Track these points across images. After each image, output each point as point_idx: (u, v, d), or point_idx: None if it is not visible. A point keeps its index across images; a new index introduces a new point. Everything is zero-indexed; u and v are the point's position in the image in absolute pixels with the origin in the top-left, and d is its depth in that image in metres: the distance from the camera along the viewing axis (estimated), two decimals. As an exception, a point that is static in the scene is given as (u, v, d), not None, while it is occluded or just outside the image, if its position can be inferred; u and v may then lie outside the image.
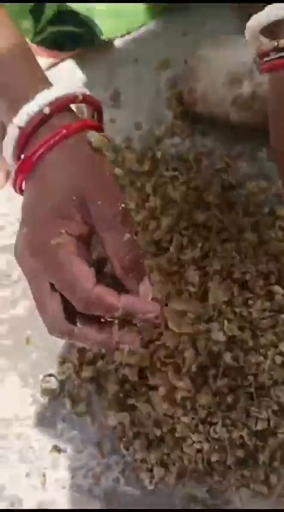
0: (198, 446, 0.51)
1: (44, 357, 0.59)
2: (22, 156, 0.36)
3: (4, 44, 0.37)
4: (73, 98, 0.36)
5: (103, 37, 0.64)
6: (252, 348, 0.52)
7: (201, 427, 0.51)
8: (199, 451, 0.52)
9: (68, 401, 0.57)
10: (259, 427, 0.50)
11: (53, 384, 0.58)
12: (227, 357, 0.51)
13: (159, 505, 0.53)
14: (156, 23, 0.68)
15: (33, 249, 0.36)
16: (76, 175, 0.35)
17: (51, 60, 0.66)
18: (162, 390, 0.52)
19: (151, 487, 0.54)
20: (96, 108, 0.40)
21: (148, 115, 0.66)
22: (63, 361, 0.58)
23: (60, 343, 0.59)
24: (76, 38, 0.65)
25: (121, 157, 0.63)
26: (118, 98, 0.67)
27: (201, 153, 0.63)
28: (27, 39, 0.59)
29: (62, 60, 0.67)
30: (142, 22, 0.67)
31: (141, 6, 0.65)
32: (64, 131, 0.35)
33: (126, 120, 0.66)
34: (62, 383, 0.58)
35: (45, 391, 0.58)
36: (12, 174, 0.37)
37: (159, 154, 0.62)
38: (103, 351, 0.56)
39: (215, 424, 0.51)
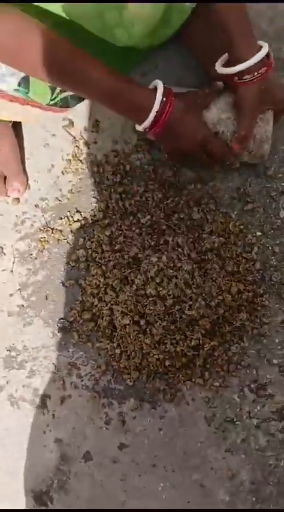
0: (156, 357, 0.83)
1: (58, 307, 0.90)
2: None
3: (121, 78, 0.73)
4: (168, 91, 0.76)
5: None
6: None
7: (157, 345, 0.83)
8: (157, 359, 0.83)
9: (75, 334, 0.88)
10: (193, 344, 0.82)
11: (65, 323, 0.89)
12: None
13: (136, 393, 0.86)
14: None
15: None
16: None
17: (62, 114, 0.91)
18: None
19: (130, 384, 0.86)
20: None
21: (120, 137, 0.93)
22: (70, 309, 0.89)
23: (67, 298, 0.89)
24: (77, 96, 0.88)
25: (101, 169, 0.91)
26: (97, 125, 0.94)
27: (157, 165, 0.91)
28: (44, 103, 0.83)
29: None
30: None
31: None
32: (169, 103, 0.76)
33: (104, 142, 0.93)
34: (70, 323, 0.89)
35: (60, 329, 0.89)
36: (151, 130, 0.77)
37: (127, 168, 0.90)
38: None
39: (166, 343, 0.82)
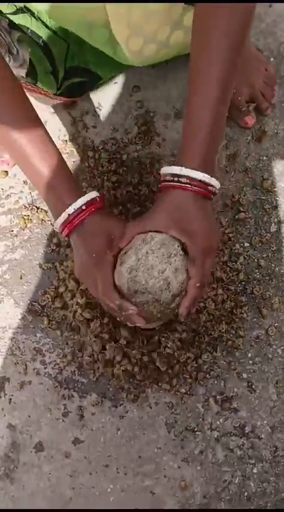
0: (123, 368, 0.79)
1: (31, 289, 0.87)
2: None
3: (54, 161, 0.64)
4: (95, 200, 0.66)
5: (101, 81, 0.88)
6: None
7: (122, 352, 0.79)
8: (124, 371, 0.80)
9: (46, 319, 0.85)
10: (166, 353, 0.79)
11: (37, 307, 0.86)
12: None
13: (99, 388, 0.83)
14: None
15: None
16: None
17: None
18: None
19: (94, 379, 0.83)
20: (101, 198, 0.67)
21: (120, 125, 0.91)
22: (44, 293, 0.86)
23: (42, 281, 0.86)
24: (83, 85, 0.87)
25: (97, 155, 0.89)
26: (99, 110, 0.91)
27: (153, 158, 0.89)
28: (52, 92, 0.83)
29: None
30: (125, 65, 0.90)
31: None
32: (87, 213, 0.65)
33: (103, 128, 0.91)
34: (42, 307, 0.86)
35: (31, 311, 0.86)
36: (63, 231, 0.65)
37: (124, 157, 0.88)
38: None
39: (134, 349, 0.79)
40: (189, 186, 0.60)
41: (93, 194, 0.66)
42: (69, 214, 0.64)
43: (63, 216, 0.65)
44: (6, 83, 0.64)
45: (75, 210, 0.64)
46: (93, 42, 0.78)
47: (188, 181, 0.60)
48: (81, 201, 0.64)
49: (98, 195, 0.67)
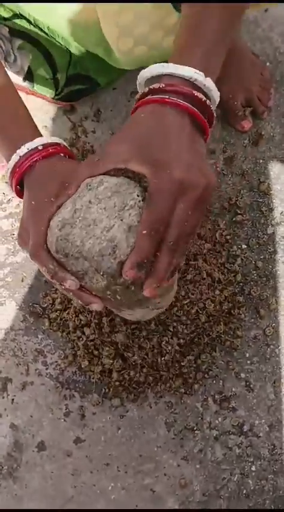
0: (122, 372, 0.81)
1: (32, 292, 0.88)
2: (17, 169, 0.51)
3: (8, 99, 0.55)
4: (58, 144, 0.53)
5: (100, 87, 0.90)
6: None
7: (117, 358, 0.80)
8: (122, 375, 0.81)
9: (47, 321, 0.86)
10: (165, 359, 0.80)
11: (38, 309, 0.87)
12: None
13: (99, 388, 0.84)
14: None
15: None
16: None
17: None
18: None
19: (93, 380, 0.84)
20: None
21: (119, 130, 0.92)
22: (45, 295, 0.87)
23: (43, 284, 0.88)
24: (82, 91, 0.89)
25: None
26: (98, 115, 0.93)
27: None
28: (50, 96, 0.84)
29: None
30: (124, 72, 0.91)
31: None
32: (43, 153, 0.51)
33: (103, 132, 0.93)
34: (43, 309, 0.87)
35: (32, 313, 0.87)
36: (11, 180, 0.52)
37: (123, 161, 0.89)
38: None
39: (132, 354, 0.81)
40: (168, 97, 0.42)
41: (55, 139, 0.53)
42: (20, 156, 0.50)
43: (14, 159, 0.50)
44: None
45: (29, 150, 0.50)
46: (88, 44, 0.79)
47: (170, 83, 0.42)
48: (38, 141, 0.51)
49: (63, 142, 0.54)
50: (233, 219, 0.88)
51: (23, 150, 0.50)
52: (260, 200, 0.89)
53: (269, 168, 0.89)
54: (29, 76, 0.81)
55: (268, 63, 0.93)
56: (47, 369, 0.86)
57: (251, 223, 0.88)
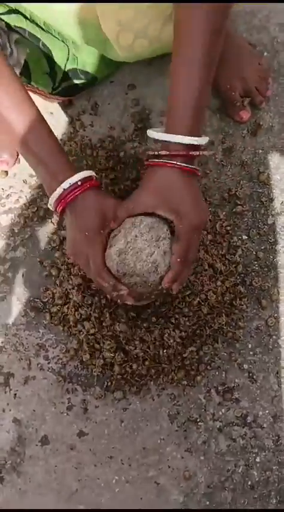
0: (124, 365, 0.81)
1: (33, 286, 0.88)
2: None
3: (46, 138, 0.66)
4: (91, 178, 0.67)
5: (97, 81, 0.90)
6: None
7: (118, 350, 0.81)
8: (124, 368, 0.81)
9: (48, 315, 0.86)
10: (169, 352, 0.80)
11: (39, 303, 0.87)
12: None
13: (102, 382, 0.84)
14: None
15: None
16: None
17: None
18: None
19: (94, 374, 0.84)
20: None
21: (117, 124, 0.92)
22: (45, 290, 0.87)
23: (44, 278, 0.88)
24: (79, 86, 0.89)
25: (95, 153, 0.90)
26: (96, 108, 0.93)
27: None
28: (47, 91, 0.85)
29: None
30: (121, 65, 0.91)
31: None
32: (83, 188, 0.65)
33: (101, 126, 0.92)
34: (44, 303, 0.87)
35: (33, 308, 0.87)
36: (57, 206, 0.66)
37: (121, 155, 0.89)
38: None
39: (134, 347, 0.81)
40: (175, 163, 0.61)
41: (88, 172, 0.67)
42: (64, 189, 0.65)
43: (58, 191, 0.65)
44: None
45: (71, 185, 0.65)
46: (86, 40, 0.79)
47: (175, 153, 0.61)
48: (77, 177, 0.65)
49: (94, 174, 0.68)
50: (233, 209, 0.88)
51: (66, 184, 0.65)
52: (260, 190, 0.88)
53: (268, 158, 0.89)
54: (26, 71, 0.81)
55: (265, 53, 0.93)
56: (48, 363, 0.85)
57: (251, 213, 0.88)
